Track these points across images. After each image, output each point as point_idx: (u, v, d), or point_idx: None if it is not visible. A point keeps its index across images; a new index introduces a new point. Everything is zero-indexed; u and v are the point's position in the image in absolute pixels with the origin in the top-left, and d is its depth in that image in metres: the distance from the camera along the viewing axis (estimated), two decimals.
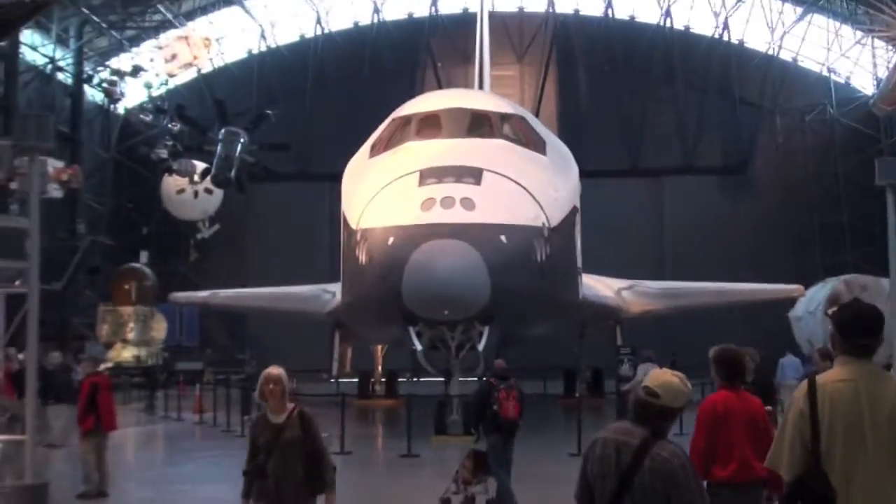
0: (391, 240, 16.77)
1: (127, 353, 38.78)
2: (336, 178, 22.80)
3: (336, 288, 24.70)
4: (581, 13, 48.74)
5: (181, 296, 36.09)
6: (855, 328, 4.40)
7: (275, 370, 6.86)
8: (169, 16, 44.31)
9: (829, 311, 4.54)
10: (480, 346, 17.51)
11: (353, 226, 18.52)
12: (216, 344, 43.56)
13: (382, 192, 17.97)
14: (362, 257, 17.72)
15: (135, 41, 45.83)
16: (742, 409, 6.49)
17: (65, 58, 41.78)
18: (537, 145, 20.97)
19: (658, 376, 4.48)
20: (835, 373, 4.38)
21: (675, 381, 4.43)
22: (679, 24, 47.84)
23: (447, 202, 16.77)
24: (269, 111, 34.71)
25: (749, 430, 6.43)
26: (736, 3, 47.11)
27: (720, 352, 6.91)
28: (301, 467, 6.64)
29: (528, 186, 18.44)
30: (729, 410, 6.46)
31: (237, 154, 33.28)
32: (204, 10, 47.18)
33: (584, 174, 24.03)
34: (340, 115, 43.98)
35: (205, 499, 13.44)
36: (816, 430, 4.23)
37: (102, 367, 17.21)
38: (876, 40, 42.30)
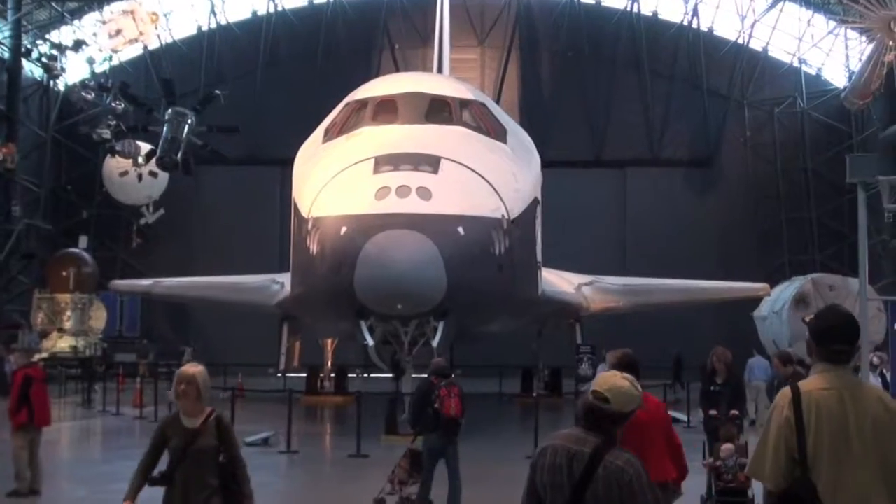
0: (343, 229, 16.79)
1: (63, 343, 38.51)
2: (288, 162, 22.76)
3: (285, 278, 24.62)
4: None
5: (122, 284, 35.90)
6: (832, 335, 4.45)
7: (190, 368, 6.48)
8: None
9: (807, 319, 4.61)
10: (435, 342, 17.56)
11: (305, 214, 18.49)
12: (158, 335, 43.30)
13: (335, 179, 17.94)
14: (313, 247, 17.71)
15: (77, 14, 45.43)
16: (648, 410, 6.66)
17: (1, 30, 41.29)
18: (498, 133, 21.02)
19: (607, 380, 4.44)
20: (817, 381, 4.41)
21: (625, 384, 4.40)
22: (647, 10, 47.88)
23: (403, 191, 16.79)
24: (218, 91, 34.41)
25: (655, 431, 6.91)
26: None
27: (622, 356, 7.14)
28: (215, 478, 6.29)
29: (488, 176, 18.48)
30: (636, 414, 6.70)
31: (184, 136, 33.01)
32: None
33: (546, 164, 24.14)
34: (293, 97, 43.89)
35: (142, 499, 13.38)
36: (803, 438, 4.25)
37: (36, 357, 17.08)
38: (849, 31, 42.59)
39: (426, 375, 12.60)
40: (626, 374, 4.51)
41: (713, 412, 12.69)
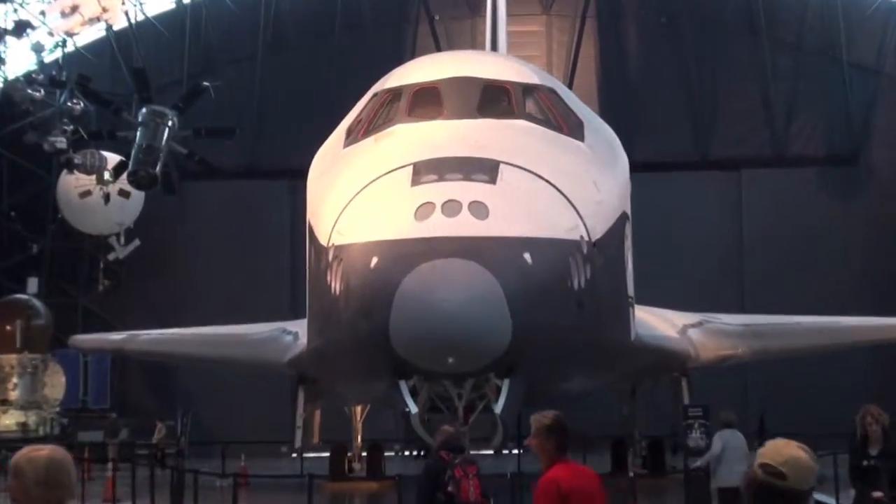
0: (375, 260, 16.64)
1: (9, 420, 38.62)
2: (299, 174, 22.75)
3: (300, 327, 24.58)
4: None
5: (86, 339, 35.99)
6: None
7: (29, 453, 5.41)
8: None
9: None
10: (498, 408, 17.39)
11: (324, 241, 18.38)
12: (134, 406, 43.34)
13: (363, 193, 17.83)
14: (336, 285, 17.59)
15: None
16: (582, 484, 7.84)
17: None
18: (573, 128, 20.88)
19: (780, 450, 4.55)
20: None
21: (803, 455, 4.54)
22: None
23: (451, 207, 16.63)
24: (206, 83, 34.61)
25: None
26: None
27: (555, 418, 8.02)
28: None
29: (562, 186, 18.31)
30: (574, 489, 7.73)
31: (163, 142, 33.19)
32: None
33: (635, 167, 23.95)
34: (305, 88, 44.14)
35: None
36: None
37: None
38: None
39: (434, 450, 12.52)
40: (800, 444, 4.60)
41: (877, 494, 12.50)
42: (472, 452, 18.38)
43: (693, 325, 29.70)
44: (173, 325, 35.40)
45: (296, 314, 27.57)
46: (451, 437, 12.50)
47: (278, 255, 43.28)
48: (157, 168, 33.18)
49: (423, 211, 16.72)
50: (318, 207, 19.69)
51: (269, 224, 44.74)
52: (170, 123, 33.20)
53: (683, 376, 28.50)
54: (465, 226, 16.48)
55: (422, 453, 37.12)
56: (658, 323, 27.45)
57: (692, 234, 44.49)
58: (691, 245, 44.08)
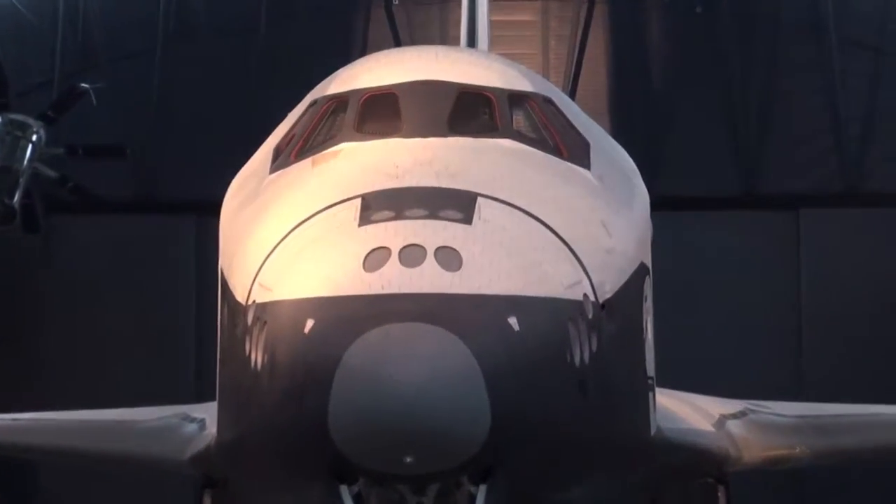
0: (310, 324, 16.42)
1: None
2: (209, 208, 22.62)
3: (207, 412, 24.40)
4: None
5: None
6: None
7: None
8: None
9: None
10: None
11: (241, 297, 18.12)
12: None
13: (295, 234, 17.63)
14: (256, 356, 17.35)
15: None
16: None
17: None
18: (575, 151, 20.76)
19: None
20: None
21: None
22: None
23: (412, 255, 16.45)
24: (86, 85, 34.63)
25: None
26: None
27: None
28: None
29: (560, 228, 18.16)
30: None
31: (25, 163, 33.16)
32: None
33: (658, 204, 23.81)
34: (219, 91, 44.15)
35: None
36: None
37: None
38: None
39: None
40: None
41: None
42: None
43: (733, 416, 29.66)
44: (33, 409, 35.31)
45: (201, 395, 27.49)
46: None
47: (179, 315, 43.24)
48: (16, 198, 33.13)
49: (375, 259, 16.53)
50: (235, 252, 19.49)
51: (168, 273, 44.67)
52: (34, 138, 33.21)
53: (720, 483, 28.44)
54: (430, 279, 16.29)
55: None
56: (687, 412, 27.41)
57: (734, 292, 44.60)
58: (732, 307, 44.19)
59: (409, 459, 16.31)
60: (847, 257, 45.55)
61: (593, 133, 22.57)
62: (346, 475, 17.03)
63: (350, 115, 20.52)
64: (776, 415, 30.90)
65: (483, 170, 18.70)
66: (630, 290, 20.33)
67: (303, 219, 18.03)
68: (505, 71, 22.53)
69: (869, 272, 45.15)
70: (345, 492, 17.19)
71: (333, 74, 22.68)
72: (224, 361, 20.24)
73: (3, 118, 33.08)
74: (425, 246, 16.71)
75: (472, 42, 33.25)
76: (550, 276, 17.69)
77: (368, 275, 16.40)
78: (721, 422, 28.98)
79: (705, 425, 28.17)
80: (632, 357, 21.07)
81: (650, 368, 22.35)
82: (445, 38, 42.12)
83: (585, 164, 20.76)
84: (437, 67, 21.56)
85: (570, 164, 20.44)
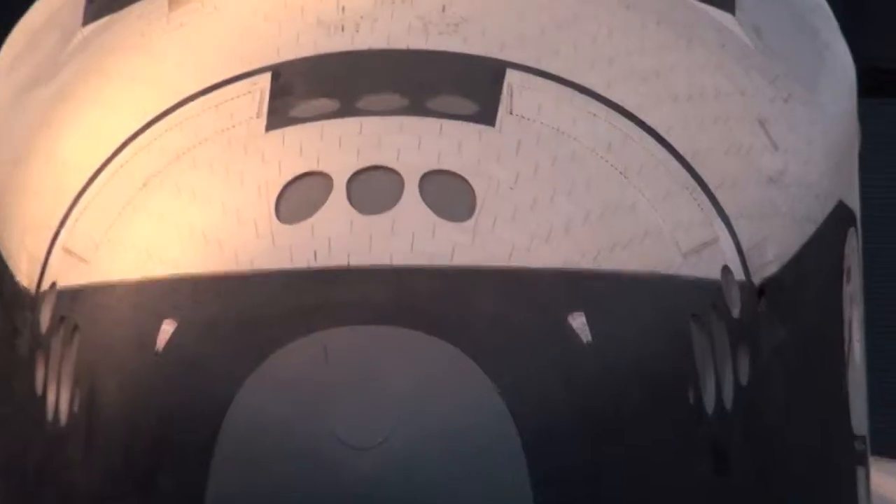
0: (172, 330, 8.89)
1: None
2: None
3: None
4: None
5: None
6: None
7: None
8: None
9: None
10: None
11: (24, 278, 10.44)
12: None
13: (136, 149, 10.05)
14: (59, 396, 9.83)
15: None
16: None
17: None
18: None
19: None
20: None
21: None
22: None
23: (375, 188, 8.74)
24: None
25: None
26: None
27: None
28: None
29: (669, 131, 10.41)
30: None
31: None
32: None
33: (871, 87, 16.21)
34: None
35: None
36: None
37: None
38: None
39: None
40: None
41: None
42: None
43: None
44: None
45: None
46: None
47: None
48: None
49: (300, 198, 8.85)
50: (10, 187, 11.89)
51: None
52: None
53: None
54: (412, 239, 8.93)
55: None
56: None
57: None
58: None
59: None
60: None
61: None
62: None
63: None
64: None
65: (516, 12, 11.24)
66: (818, 257, 12.41)
67: (152, 117, 10.35)
68: None
69: None
70: None
71: None
72: None
73: None
74: (400, 171, 9.10)
75: None
76: (653, 233, 9.93)
77: (287, 230, 8.75)
78: None
79: None
80: (821, 395, 13.12)
81: (857, 418, 14.33)
82: None
83: (728, 5, 13.20)
84: None
85: (699, 2, 12.92)
